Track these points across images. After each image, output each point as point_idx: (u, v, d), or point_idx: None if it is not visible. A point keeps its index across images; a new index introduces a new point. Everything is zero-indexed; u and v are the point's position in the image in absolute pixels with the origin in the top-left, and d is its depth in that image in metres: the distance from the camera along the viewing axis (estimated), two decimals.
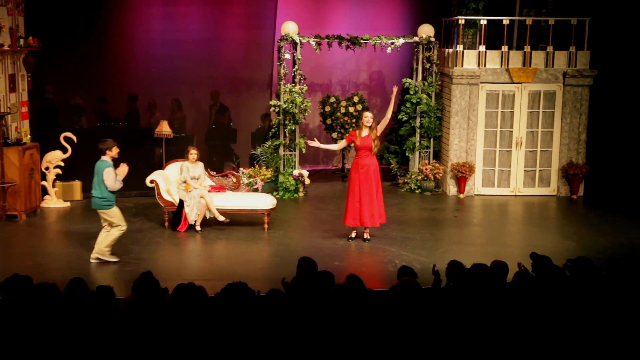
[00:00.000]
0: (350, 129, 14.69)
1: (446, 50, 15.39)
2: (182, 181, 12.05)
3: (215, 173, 13.02)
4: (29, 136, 13.20)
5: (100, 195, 10.26)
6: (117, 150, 10.42)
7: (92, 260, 10.38)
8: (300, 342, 5.57)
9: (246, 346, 5.48)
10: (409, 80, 15.34)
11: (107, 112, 15.11)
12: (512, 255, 9.61)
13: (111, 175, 10.23)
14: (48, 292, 5.93)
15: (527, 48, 14.66)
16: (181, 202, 11.98)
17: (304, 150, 15.10)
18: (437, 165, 15.08)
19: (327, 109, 15.85)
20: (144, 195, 13.69)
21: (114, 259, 10.39)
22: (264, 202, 12.18)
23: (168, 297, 6.12)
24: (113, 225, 10.41)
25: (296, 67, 14.88)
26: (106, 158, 10.31)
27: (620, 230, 12.32)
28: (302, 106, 14.71)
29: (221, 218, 11.98)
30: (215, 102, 15.95)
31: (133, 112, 15.43)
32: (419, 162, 15.33)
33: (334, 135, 15.84)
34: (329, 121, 15.90)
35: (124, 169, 10.33)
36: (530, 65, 14.66)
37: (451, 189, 14.93)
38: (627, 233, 12.12)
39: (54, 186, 13.65)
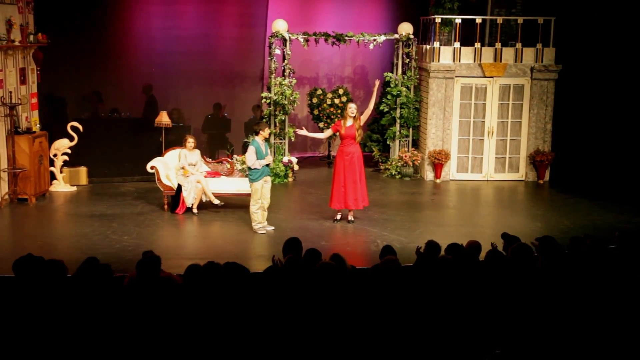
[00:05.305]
0: (336, 119, 14.67)
1: (424, 46, 15.35)
2: (180, 167, 11.99)
3: (210, 160, 12.96)
4: (38, 125, 13.12)
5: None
6: (269, 131, 10.97)
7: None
8: (292, 314, 5.55)
9: (243, 318, 5.46)
10: (390, 74, 15.30)
11: (116, 103, 14.90)
12: (484, 235, 9.54)
13: (251, 153, 10.54)
14: (56, 269, 5.85)
15: (498, 45, 14.64)
16: (179, 186, 11.92)
17: (293, 139, 15.07)
18: (415, 152, 15.08)
19: (315, 100, 15.79)
20: (145, 181, 13.64)
21: (270, 228, 10.89)
22: None
23: (162, 273, 6.10)
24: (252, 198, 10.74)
25: (286, 61, 14.81)
26: (257, 138, 10.66)
27: (582, 212, 12.35)
28: (291, 98, 14.66)
29: (216, 201, 11.93)
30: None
31: (134, 103, 15.24)
32: (399, 149, 15.32)
33: (321, 124, 15.78)
34: (316, 112, 15.84)
35: (269, 158, 10.63)
36: (500, 61, 14.64)
37: (428, 174, 14.93)
38: (588, 214, 12.16)
39: (61, 172, 13.54)
